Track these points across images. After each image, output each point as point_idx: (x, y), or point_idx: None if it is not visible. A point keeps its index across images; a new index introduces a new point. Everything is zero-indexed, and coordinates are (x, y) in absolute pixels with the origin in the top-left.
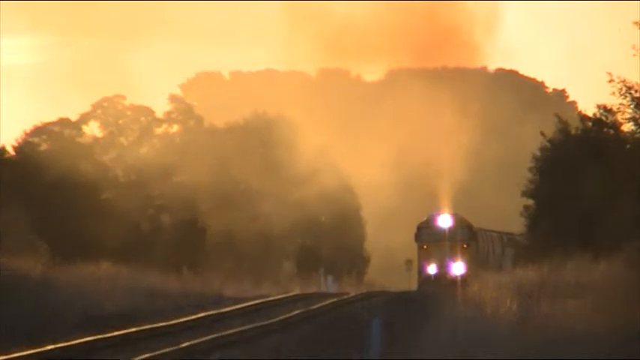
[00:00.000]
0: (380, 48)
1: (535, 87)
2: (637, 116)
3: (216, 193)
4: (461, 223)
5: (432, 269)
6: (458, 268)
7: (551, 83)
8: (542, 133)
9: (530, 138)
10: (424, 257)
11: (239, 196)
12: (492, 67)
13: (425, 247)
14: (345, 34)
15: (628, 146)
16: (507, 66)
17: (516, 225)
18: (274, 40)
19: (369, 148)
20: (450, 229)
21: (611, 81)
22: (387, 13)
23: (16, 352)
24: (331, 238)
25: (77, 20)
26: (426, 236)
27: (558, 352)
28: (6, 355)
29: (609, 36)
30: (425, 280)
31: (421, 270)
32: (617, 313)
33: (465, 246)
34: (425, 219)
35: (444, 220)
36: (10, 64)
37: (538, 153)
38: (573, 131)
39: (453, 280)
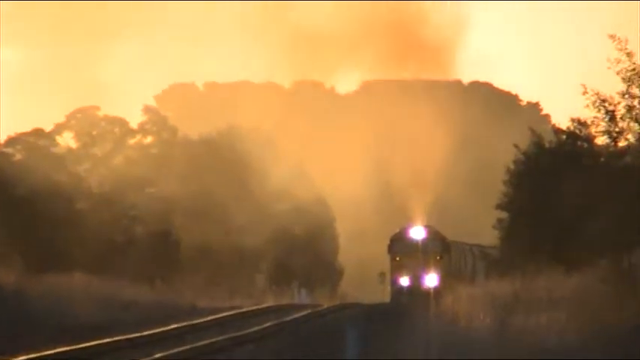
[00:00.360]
0: (354, 60)
1: (509, 99)
2: (611, 129)
3: (190, 205)
4: (434, 235)
5: (404, 281)
6: (431, 280)
7: (525, 96)
8: (516, 146)
9: (505, 150)
10: (397, 269)
11: (213, 209)
12: (467, 79)
13: (398, 258)
14: (319, 45)
15: (602, 159)
16: (482, 78)
17: (489, 238)
18: (249, 52)
19: (343, 160)
20: (423, 241)
21: (584, 93)
22: (361, 26)
23: None
24: (305, 251)
25: (49, 31)
26: (399, 248)
27: None
28: None
29: (584, 48)
30: (397, 291)
31: (394, 282)
32: (591, 326)
33: (438, 258)
34: (398, 231)
35: (417, 232)
36: None
37: (512, 166)
38: (547, 144)
39: (426, 292)
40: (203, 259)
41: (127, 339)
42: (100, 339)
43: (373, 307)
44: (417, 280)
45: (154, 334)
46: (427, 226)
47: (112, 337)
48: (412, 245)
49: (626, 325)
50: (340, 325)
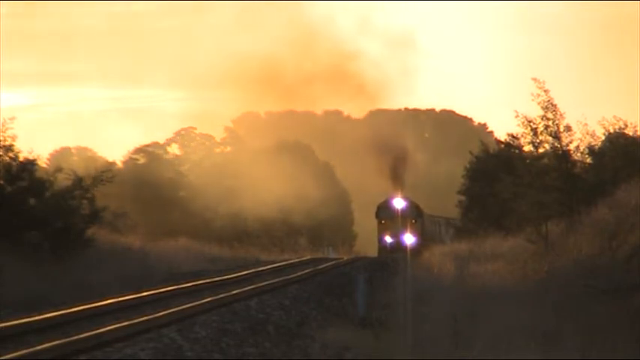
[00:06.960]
0: (362, 95)
1: (466, 122)
2: (534, 141)
3: (255, 192)
4: (411, 204)
5: (388, 240)
6: (408, 238)
7: (477, 119)
8: (470, 152)
9: (463, 155)
10: (382, 230)
11: (270, 195)
12: (438, 108)
13: (383, 222)
14: (341, 85)
15: (528, 161)
16: (448, 107)
17: (454, 213)
18: (295, 89)
19: (357, 162)
20: (403, 209)
21: (517, 116)
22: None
23: (127, 295)
24: (332, 223)
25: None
26: (384, 213)
27: (483, 295)
28: (121, 296)
29: (520, 83)
30: (383, 248)
31: (380, 240)
32: (519, 271)
33: (413, 222)
34: (383, 200)
35: (398, 202)
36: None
37: (468, 165)
38: (491, 151)
39: (405, 248)
40: (263, 228)
41: (214, 281)
42: (196, 281)
43: (374, 259)
44: (397, 238)
45: (231, 277)
46: (405, 197)
47: (205, 279)
48: (394, 211)
49: (542, 270)
50: (354, 270)
